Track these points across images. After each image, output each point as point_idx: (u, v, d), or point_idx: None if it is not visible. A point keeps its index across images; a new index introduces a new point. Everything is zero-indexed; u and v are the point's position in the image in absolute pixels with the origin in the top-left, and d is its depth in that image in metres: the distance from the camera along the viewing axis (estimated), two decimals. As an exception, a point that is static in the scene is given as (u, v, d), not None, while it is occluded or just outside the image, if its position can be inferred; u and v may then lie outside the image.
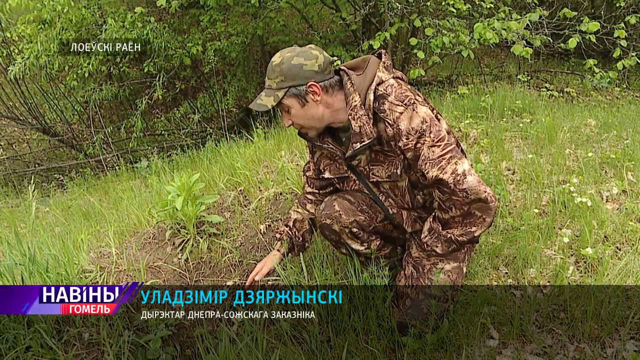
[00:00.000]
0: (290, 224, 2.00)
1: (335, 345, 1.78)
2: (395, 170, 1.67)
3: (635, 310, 1.72)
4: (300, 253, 2.01)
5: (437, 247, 1.71)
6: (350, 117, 1.61)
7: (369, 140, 1.59)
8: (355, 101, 1.59)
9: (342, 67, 1.68)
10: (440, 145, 1.54)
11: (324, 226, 1.79)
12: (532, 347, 1.66)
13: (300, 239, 2.00)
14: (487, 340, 1.72)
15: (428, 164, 1.54)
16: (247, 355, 1.67)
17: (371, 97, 1.58)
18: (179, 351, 1.94)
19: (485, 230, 1.64)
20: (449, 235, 1.65)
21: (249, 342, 1.73)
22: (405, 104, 1.55)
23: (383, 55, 1.67)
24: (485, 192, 1.54)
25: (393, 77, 1.63)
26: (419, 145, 1.55)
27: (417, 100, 1.58)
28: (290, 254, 2.00)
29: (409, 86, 1.66)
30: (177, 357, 1.92)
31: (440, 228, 1.67)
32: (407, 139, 1.55)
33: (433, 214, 1.72)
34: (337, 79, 1.65)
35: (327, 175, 1.87)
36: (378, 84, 1.60)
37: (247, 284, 1.95)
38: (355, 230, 1.77)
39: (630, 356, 1.53)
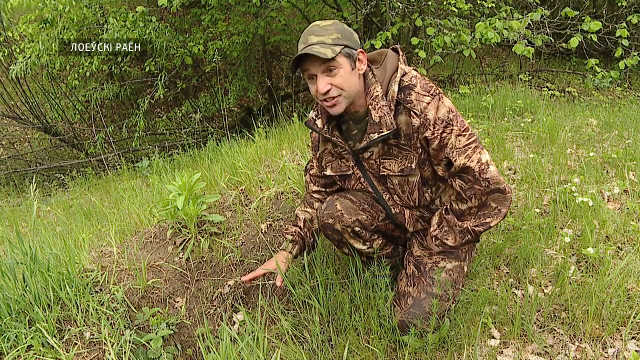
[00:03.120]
0: (300, 224, 1.98)
1: (337, 344, 1.78)
2: (409, 165, 1.66)
3: (637, 310, 1.72)
4: (311, 252, 1.99)
5: (448, 239, 1.71)
6: (370, 106, 1.60)
7: (388, 132, 1.58)
8: (377, 92, 1.59)
9: None
10: (465, 135, 1.56)
11: (326, 226, 1.79)
12: (533, 347, 1.66)
13: (312, 239, 1.98)
14: (488, 339, 1.72)
15: (455, 152, 1.55)
16: (248, 355, 1.67)
17: (395, 88, 1.58)
18: (180, 350, 1.95)
19: (500, 221, 1.65)
20: (465, 225, 1.66)
21: (250, 342, 1.73)
22: (432, 94, 1.56)
23: (399, 49, 1.68)
24: (504, 182, 1.57)
25: (414, 69, 1.64)
26: (444, 134, 1.55)
27: (440, 90, 1.59)
28: (300, 255, 1.98)
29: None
30: (178, 356, 1.92)
31: (456, 219, 1.67)
32: (434, 128, 1.55)
33: (444, 207, 1.72)
34: None
35: (328, 172, 1.86)
36: (402, 75, 1.60)
37: (246, 278, 1.87)
38: (357, 229, 1.77)
39: (632, 356, 1.53)
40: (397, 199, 1.79)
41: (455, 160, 1.55)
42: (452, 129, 1.55)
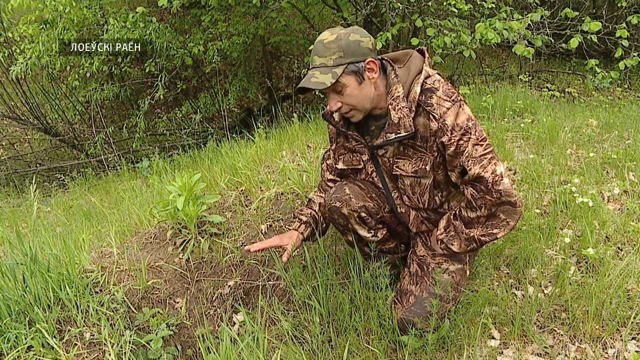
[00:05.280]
0: (315, 207, 1.97)
1: (337, 345, 1.78)
2: (424, 167, 1.66)
3: (637, 310, 1.72)
4: (318, 239, 1.97)
5: (453, 244, 1.72)
6: (390, 106, 1.60)
7: (406, 134, 1.59)
8: (398, 92, 1.59)
9: (384, 57, 1.68)
10: (482, 145, 1.56)
11: (333, 209, 1.78)
12: (534, 348, 1.66)
13: (324, 224, 1.96)
14: (489, 340, 1.72)
15: (470, 161, 1.56)
16: (248, 356, 1.67)
17: (417, 89, 1.57)
18: (180, 351, 1.95)
19: (507, 234, 1.66)
20: (471, 234, 1.66)
21: (250, 342, 1.73)
22: (453, 100, 1.56)
23: (425, 51, 1.68)
24: (516, 196, 1.57)
25: (437, 73, 1.64)
26: (461, 142, 1.55)
27: (462, 98, 1.59)
28: (310, 239, 1.95)
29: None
30: (179, 357, 1.92)
31: (463, 226, 1.68)
32: (451, 134, 1.55)
33: (454, 212, 1.72)
34: (381, 64, 1.65)
35: (340, 165, 1.88)
36: (426, 78, 1.60)
37: (256, 248, 1.81)
38: (363, 214, 1.77)
39: (632, 356, 1.53)
40: (406, 200, 1.79)
41: (469, 169, 1.56)
42: (469, 137, 1.55)
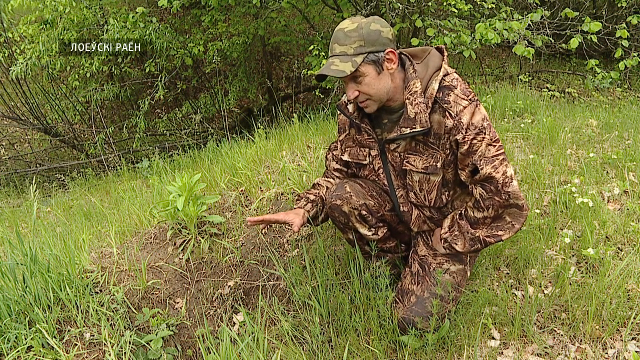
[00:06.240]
0: (323, 190, 1.95)
1: (337, 345, 1.78)
2: (434, 164, 1.66)
3: (637, 310, 1.72)
4: (321, 224, 1.96)
5: (457, 244, 1.72)
6: (407, 100, 1.61)
7: (421, 129, 1.59)
8: (416, 87, 1.60)
9: (402, 51, 1.68)
10: (495, 146, 1.57)
11: (334, 207, 1.78)
12: (534, 348, 1.66)
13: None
14: (489, 340, 1.72)
15: (483, 160, 1.56)
16: (248, 356, 1.67)
17: (435, 86, 1.58)
18: (180, 351, 1.95)
19: (511, 236, 1.67)
20: (477, 234, 1.66)
21: (250, 342, 1.73)
22: (470, 99, 1.57)
23: (444, 50, 1.68)
24: (523, 199, 1.59)
25: (455, 72, 1.65)
26: (475, 141, 1.56)
27: (478, 98, 1.60)
28: (314, 222, 1.92)
29: None
30: (179, 357, 1.93)
31: (469, 226, 1.68)
32: (465, 132, 1.56)
33: (459, 212, 1.72)
34: (399, 57, 1.65)
35: (345, 157, 1.88)
36: (444, 75, 1.61)
37: (258, 219, 1.77)
38: (364, 212, 1.77)
39: (632, 357, 1.53)
40: (412, 197, 1.78)
41: (481, 169, 1.56)
42: (483, 137, 1.56)
